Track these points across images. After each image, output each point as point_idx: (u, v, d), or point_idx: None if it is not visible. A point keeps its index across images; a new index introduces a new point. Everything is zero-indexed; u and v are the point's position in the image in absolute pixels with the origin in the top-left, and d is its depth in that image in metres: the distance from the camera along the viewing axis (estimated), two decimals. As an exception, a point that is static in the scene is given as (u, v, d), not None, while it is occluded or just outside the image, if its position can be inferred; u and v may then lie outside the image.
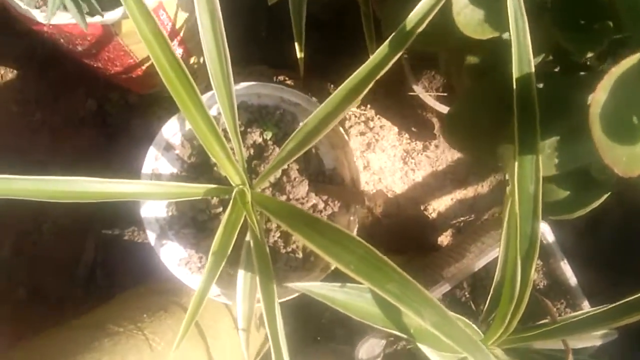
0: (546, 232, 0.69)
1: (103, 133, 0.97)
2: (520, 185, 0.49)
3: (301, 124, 0.55)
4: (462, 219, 0.98)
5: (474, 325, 0.59)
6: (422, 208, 0.97)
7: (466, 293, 0.71)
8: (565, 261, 0.71)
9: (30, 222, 0.95)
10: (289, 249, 0.68)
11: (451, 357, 0.55)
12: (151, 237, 0.67)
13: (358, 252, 0.47)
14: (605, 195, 0.55)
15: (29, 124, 0.97)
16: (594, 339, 0.67)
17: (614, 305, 0.52)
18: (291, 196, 0.67)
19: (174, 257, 0.67)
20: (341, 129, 0.68)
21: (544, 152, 0.50)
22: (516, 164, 0.49)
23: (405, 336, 0.54)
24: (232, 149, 0.60)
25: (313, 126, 0.53)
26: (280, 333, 0.53)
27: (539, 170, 0.48)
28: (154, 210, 0.68)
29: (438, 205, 0.97)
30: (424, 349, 0.53)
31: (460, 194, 0.98)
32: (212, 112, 0.68)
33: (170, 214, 0.69)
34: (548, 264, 0.72)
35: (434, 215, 0.97)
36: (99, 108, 0.97)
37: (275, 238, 0.68)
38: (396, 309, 0.51)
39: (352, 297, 0.52)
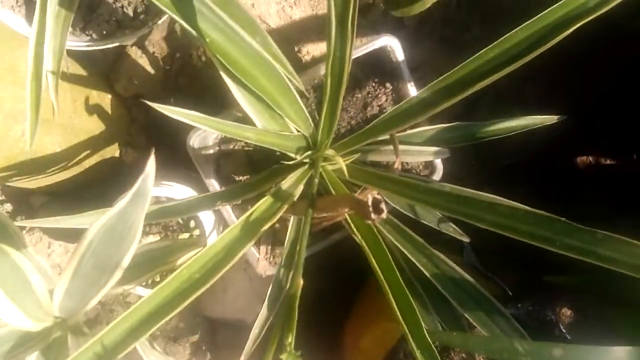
0: (396, 49, 0.70)
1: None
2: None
3: None
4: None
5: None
6: (295, 49, 0.94)
7: (312, 104, 0.71)
8: (412, 84, 0.72)
9: None
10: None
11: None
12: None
13: None
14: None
15: None
16: (426, 155, 0.70)
17: (435, 83, 0.54)
18: None
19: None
20: None
21: None
22: None
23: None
24: None
25: None
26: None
27: None
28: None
29: (313, 50, 0.95)
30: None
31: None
32: None
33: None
34: (397, 88, 0.73)
35: (307, 58, 0.95)
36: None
37: None
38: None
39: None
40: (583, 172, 1.10)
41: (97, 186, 0.80)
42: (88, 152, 0.74)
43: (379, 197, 0.41)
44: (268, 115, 0.56)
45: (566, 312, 0.69)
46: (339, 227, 0.72)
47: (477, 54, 0.52)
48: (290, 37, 0.94)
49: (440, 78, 0.54)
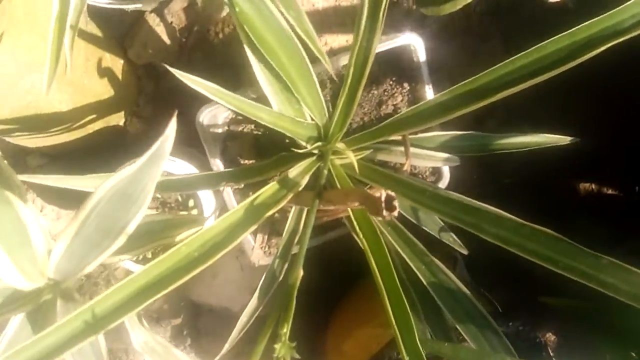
0: (418, 48, 0.68)
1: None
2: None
3: None
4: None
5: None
6: (314, 39, 0.93)
7: (327, 95, 0.70)
8: (430, 86, 0.71)
9: None
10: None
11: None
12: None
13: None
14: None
15: None
16: (436, 161, 0.69)
17: (456, 87, 0.53)
18: None
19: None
20: None
21: None
22: None
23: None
24: None
25: None
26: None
27: None
28: None
29: (332, 41, 0.94)
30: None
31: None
32: None
33: None
34: (414, 89, 0.72)
35: (325, 48, 0.94)
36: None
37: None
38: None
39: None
40: (583, 198, 1.10)
41: (98, 153, 0.78)
42: (94, 116, 0.72)
43: (392, 194, 0.40)
44: (284, 97, 0.54)
45: (553, 336, 0.69)
46: (336, 225, 0.71)
47: (503, 62, 0.51)
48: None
49: (462, 83, 0.53)
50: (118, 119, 0.79)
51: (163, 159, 0.33)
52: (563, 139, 0.70)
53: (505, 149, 0.68)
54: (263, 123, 0.53)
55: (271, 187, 0.53)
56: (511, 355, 0.58)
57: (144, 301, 0.34)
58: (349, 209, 0.57)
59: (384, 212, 0.40)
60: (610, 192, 1.08)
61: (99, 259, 0.34)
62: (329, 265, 0.84)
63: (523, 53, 0.50)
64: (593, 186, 1.11)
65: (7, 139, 0.70)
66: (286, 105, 0.55)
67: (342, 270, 0.81)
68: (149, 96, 0.87)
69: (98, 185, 0.33)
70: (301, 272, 0.42)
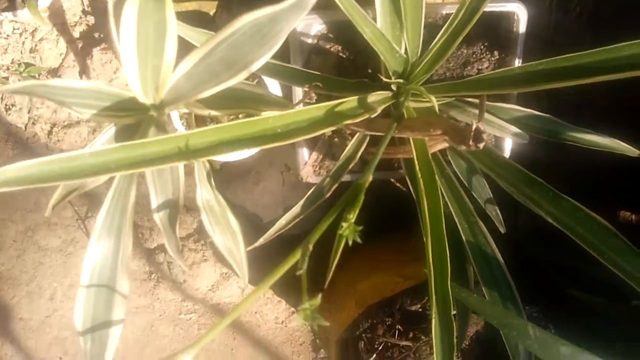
0: (521, 19, 0.67)
1: None
2: None
3: None
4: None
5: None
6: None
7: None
8: (521, 61, 0.70)
9: None
10: None
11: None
12: None
13: None
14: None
15: None
16: (505, 132, 0.69)
17: (548, 61, 0.53)
18: None
19: None
20: None
21: None
22: None
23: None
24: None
25: None
26: None
27: None
28: None
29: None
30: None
31: None
32: None
33: None
34: (503, 59, 0.72)
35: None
36: None
37: None
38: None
39: None
40: (620, 224, 1.08)
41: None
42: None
43: (482, 127, 0.40)
44: (390, 21, 0.54)
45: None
46: (383, 167, 0.73)
47: (605, 47, 0.50)
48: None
49: (558, 57, 0.53)
50: (210, 7, 0.80)
51: (304, 10, 0.34)
52: (632, 151, 0.69)
53: (578, 143, 0.67)
54: (359, 38, 0.54)
55: (351, 101, 0.54)
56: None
57: (229, 151, 0.36)
58: (412, 150, 0.58)
59: (471, 142, 0.40)
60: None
61: (212, 90, 0.35)
62: (372, 205, 0.85)
63: (630, 42, 0.49)
64: (634, 217, 1.09)
65: None
66: (389, 29, 0.55)
67: (381, 213, 0.82)
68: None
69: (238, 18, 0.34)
70: (370, 178, 0.43)
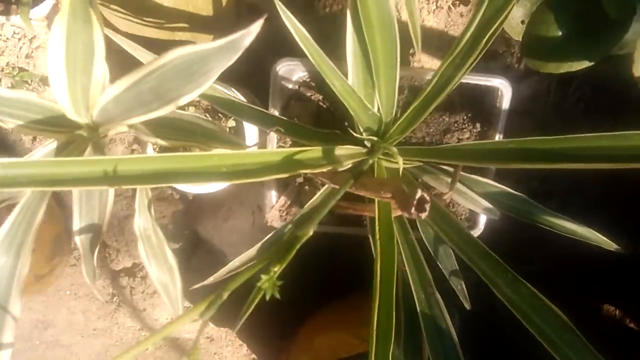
0: (505, 96, 0.67)
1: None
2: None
3: None
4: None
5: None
6: (410, 51, 0.93)
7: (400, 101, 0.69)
8: (502, 136, 0.70)
9: None
10: None
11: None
12: None
13: None
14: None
15: None
16: (477, 206, 0.67)
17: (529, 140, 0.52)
18: None
19: None
20: None
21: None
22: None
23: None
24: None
25: None
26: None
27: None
28: None
29: (425, 61, 0.94)
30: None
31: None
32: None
33: None
34: (484, 132, 0.71)
35: (416, 64, 0.93)
36: None
37: None
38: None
39: None
40: (602, 319, 1.04)
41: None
42: (185, 25, 0.74)
43: (427, 197, 0.39)
44: (362, 78, 0.54)
45: None
46: (353, 224, 0.71)
47: (592, 134, 0.48)
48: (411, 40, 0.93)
49: (540, 138, 0.51)
50: (205, 39, 0.81)
51: (237, 52, 0.33)
52: (610, 245, 0.66)
53: (550, 227, 0.65)
54: (333, 90, 0.53)
55: (315, 151, 0.53)
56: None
57: (161, 182, 0.34)
58: (375, 210, 0.56)
59: (413, 210, 0.38)
60: (632, 325, 1.01)
61: (142, 117, 0.34)
62: (328, 261, 0.83)
63: (617, 133, 0.47)
64: (617, 313, 1.04)
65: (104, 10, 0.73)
66: (361, 86, 0.55)
67: (338, 269, 0.80)
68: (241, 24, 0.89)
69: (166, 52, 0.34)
70: (311, 232, 0.41)
